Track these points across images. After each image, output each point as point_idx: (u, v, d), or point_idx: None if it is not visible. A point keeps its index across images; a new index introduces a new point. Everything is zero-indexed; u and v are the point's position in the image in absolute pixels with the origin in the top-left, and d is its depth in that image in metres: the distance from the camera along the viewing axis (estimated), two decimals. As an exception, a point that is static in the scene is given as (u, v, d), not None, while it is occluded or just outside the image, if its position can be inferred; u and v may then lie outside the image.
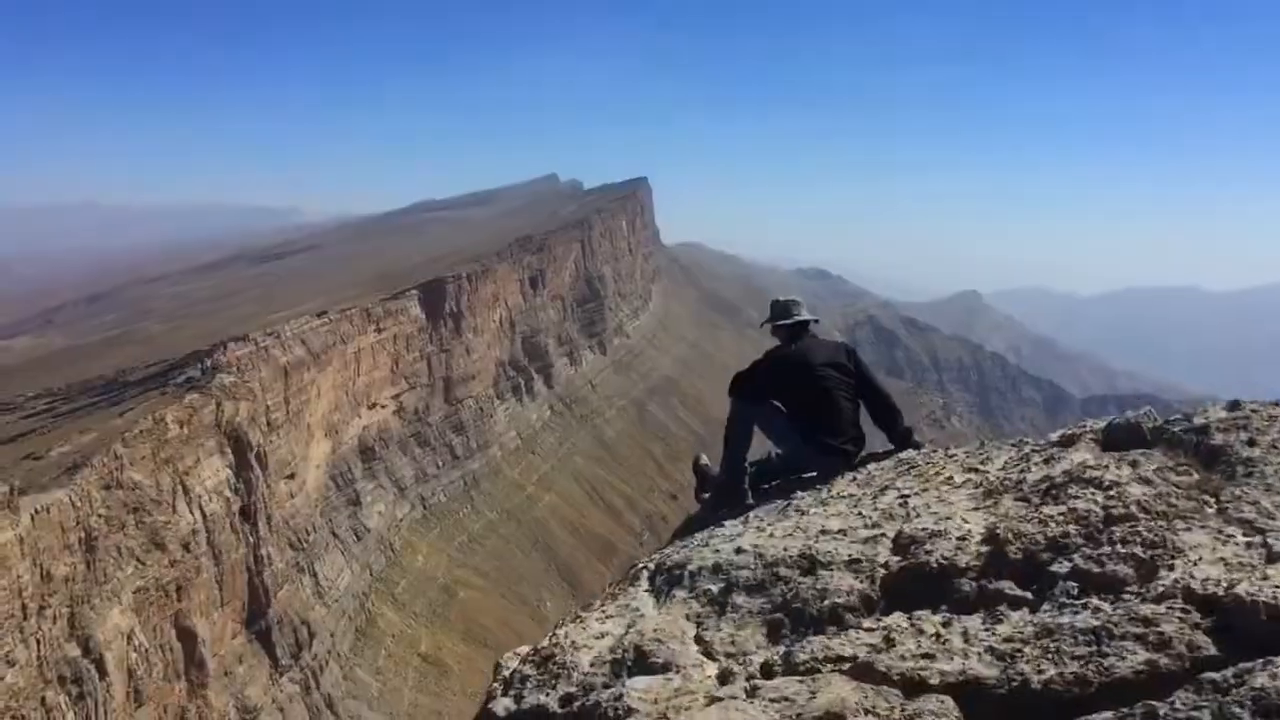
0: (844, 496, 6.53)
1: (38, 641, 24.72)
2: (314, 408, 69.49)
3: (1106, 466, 5.37)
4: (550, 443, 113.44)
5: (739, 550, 5.35)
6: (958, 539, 4.84)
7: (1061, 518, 4.71)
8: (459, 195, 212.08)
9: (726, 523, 6.78)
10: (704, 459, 9.22)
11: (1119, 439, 6.10)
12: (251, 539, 47.12)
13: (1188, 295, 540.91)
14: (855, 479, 7.11)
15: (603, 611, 5.24)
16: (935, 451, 7.52)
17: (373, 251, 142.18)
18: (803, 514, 6.17)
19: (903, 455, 7.68)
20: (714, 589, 5.00)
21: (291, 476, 63.10)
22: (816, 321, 8.45)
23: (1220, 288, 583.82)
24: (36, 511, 26.41)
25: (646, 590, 5.42)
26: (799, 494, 7.11)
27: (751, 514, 6.86)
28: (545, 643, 4.99)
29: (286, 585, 51.45)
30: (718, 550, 5.48)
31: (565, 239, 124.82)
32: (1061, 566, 4.34)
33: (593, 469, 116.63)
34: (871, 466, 7.53)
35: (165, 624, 35.45)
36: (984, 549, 4.67)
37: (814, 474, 7.81)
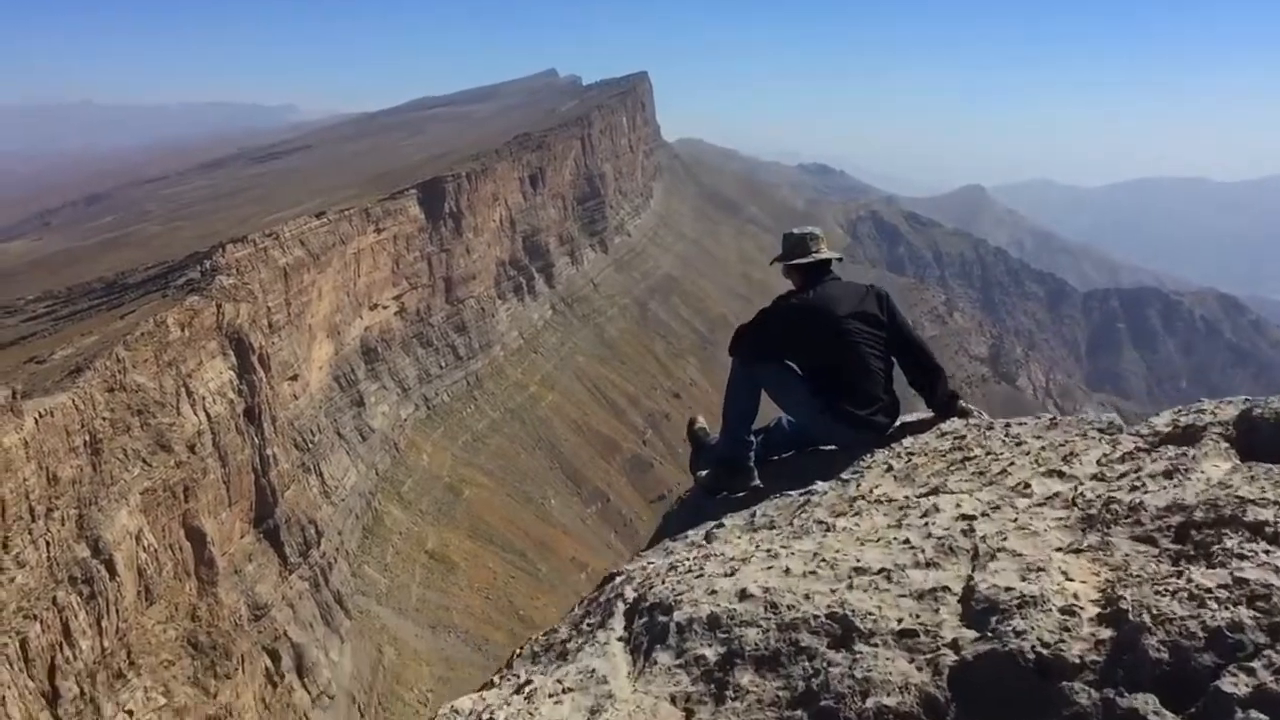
0: (880, 501, 5.05)
1: (47, 543, 25.01)
2: (315, 309, 69.41)
3: (1270, 499, 3.56)
4: (552, 342, 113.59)
5: (743, 594, 3.97)
6: (1060, 610, 3.26)
7: (1225, 593, 3.06)
8: (458, 91, 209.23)
9: (727, 522, 5.66)
10: (701, 422, 7.90)
11: (1267, 440, 4.33)
12: (257, 440, 47.40)
13: (1195, 186, 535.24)
14: (892, 470, 5.69)
15: (559, 683, 3.91)
16: (990, 427, 6.19)
17: (371, 150, 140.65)
18: (827, 529, 4.75)
19: (946, 427, 6.51)
20: (710, 656, 3.71)
21: (295, 378, 63.30)
22: (840, 259, 7.13)
23: (1229, 178, 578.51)
24: (40, 415, 26.50)
25: (620, 639, 4.16)
26: (819, 487, 5.72)
27: (759, 512, 5.66)
28: None
29: (293, 485, 51.94)
30: (714, 590, 4.11)
31: (565, 136, 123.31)
32: (1236, 684, 2.76)
33: (595, 368, 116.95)
34: (908, 442, 6.26)
35: (174, 524, 35.82)
36: (1104, 633, 3.11)
37: (833, 447, 6.77)
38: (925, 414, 6.94)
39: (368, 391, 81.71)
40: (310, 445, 65.82)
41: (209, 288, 48.84)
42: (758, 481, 6.72)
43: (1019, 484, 4.65)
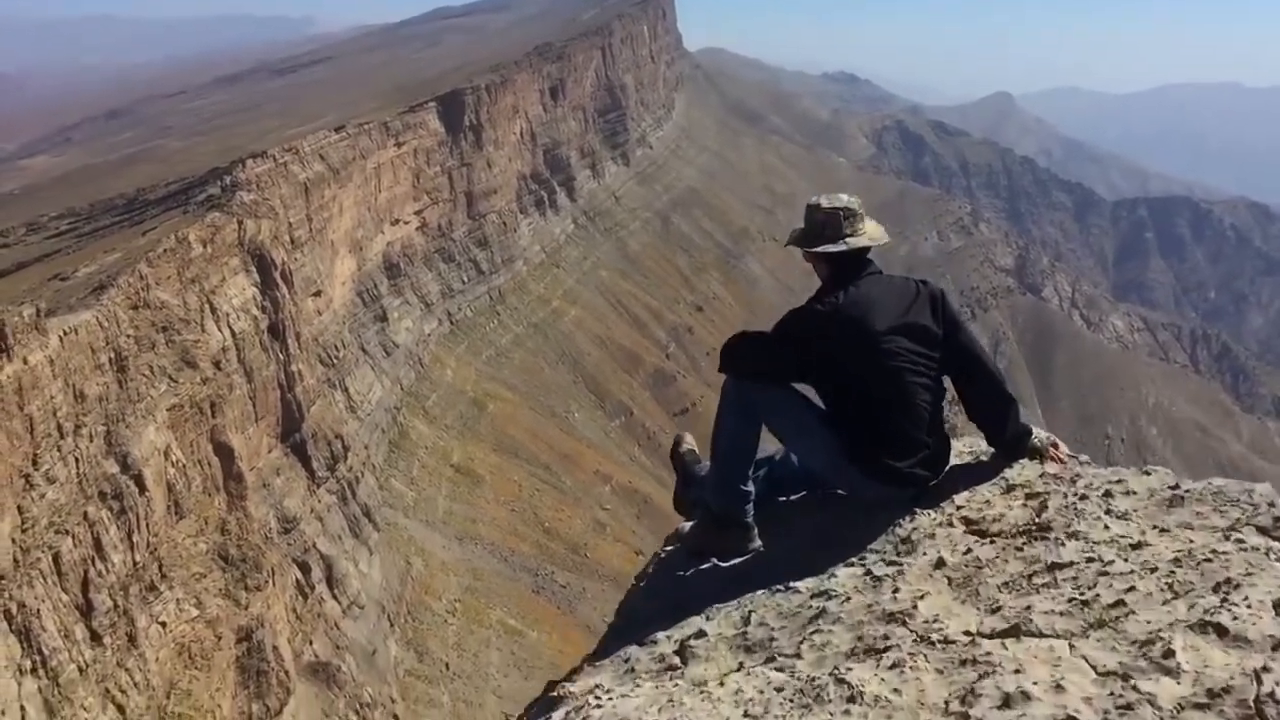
0: (932, 642, 3.50)
1: (76, 460, 25.28)
2: (336, 224, 69.23)
3: None
4: (574, 256, 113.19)
5: None
6: None
7: None
8: (475, 1, 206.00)
9: (710, 630, 4.14)
10: (688, 442, 6.29)
11: None
12: (281, 356, 47.61)
13: (1227, 92, 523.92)
14: (945, 566, 4.11)
15: None
16: (1082, 496, 4.54)
17: (389, 62, 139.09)
18: (851, 697, 3.25)
19: (1014, 476, 5.03)
20: None
21: (318, 294, 63.41)
22: (881, 242, 5.26)
23: (1262, 83, 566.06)
24: (65, 333, 26.61)
25: None
26: (839, 581, 4.25)
27: (756, 616, 4.17)
28: None
29: (319, 401, 52.29)
30: None
31: (585, 46, 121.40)
32: None
33: (617, 282, 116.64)
34: (964, 504, 4.75)
35: (201, 440, 36.15)
36: None
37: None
38: (974, 438, 5.56)
39: (391, 307, 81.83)
40: (335, 361, 66.16)
41: (230, 204, 48.68)
42: (758, 543, 5.19)
43: (1151, 638, 3.05)
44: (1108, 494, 4.49)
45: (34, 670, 21.31)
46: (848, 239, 5.11)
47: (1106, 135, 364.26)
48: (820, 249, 5.12)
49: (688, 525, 5.77)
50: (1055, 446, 5.38)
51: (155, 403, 31.64)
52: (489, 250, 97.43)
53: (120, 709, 24.28)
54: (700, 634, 4.15)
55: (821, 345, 4.94)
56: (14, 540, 21.84)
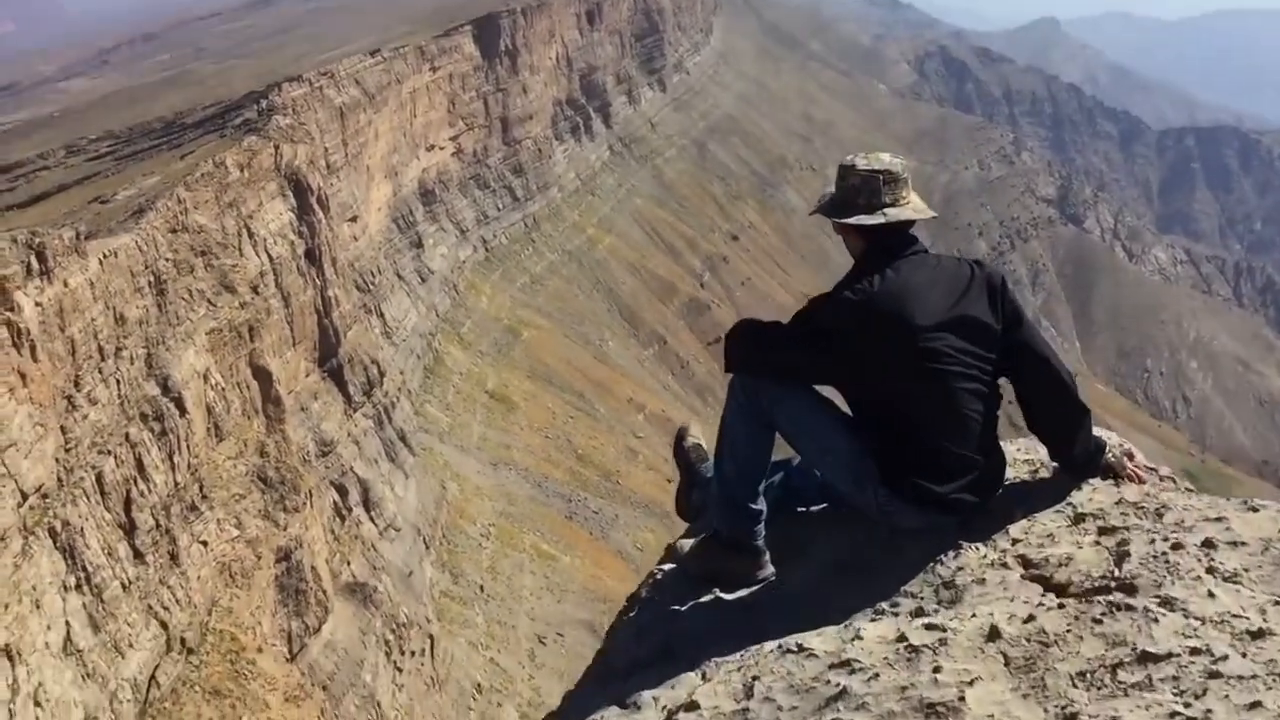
0: None
1: (117, 381, 25.64)
2: (372, 150, 69.10)
3: None
4: (610, 184, 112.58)
5: None
6: None
7: None
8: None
9: (703, 701, 3.42)
10: (693, 435, 5.47)
11: None
12: (318, 281, 47.84)
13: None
14: (1001, 637, 3.22)
15: None
16: (1169, 538, 3.66)
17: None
18: None
19: (1084, 503, 4.16)
20: None
21: (354, 219, 63.52)
22: (924, 216, 4.43)
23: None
24: (105, 256, 26.84)
25: None
26: (863, 645, 3.38)
27: (760, 681, 3.40)
28: None
29: (355, 326, 52.62)
30: None
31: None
32: None
33: (652, 210, 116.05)
34: (1021, 540, 3.94)
35: (240, 363, 36.52)
36: None
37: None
38: (1032, 440, 4.67)
39: (426, 233, 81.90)
40: (371, 287, 66.45)
41: (266, 128, 48.65)
42: (769, 571, 4.48)
43: None
44: (1208, 544, 3.50)
45: (78, 586, 21.83)
46: (886, 209, 4.25)
47: (1155, 62, 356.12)
48: (853, 220, 4.28)
49: (687, 543, 4.86)
50: (1131, 458, 4.49)
51: (194, 326, 31.95)
52: (524, 177, 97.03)
53: (163, 625, 24.87)
54: (692, 705, 3.37)
55: (850, 342, 4.13)
56: (57, 460, 22.25)
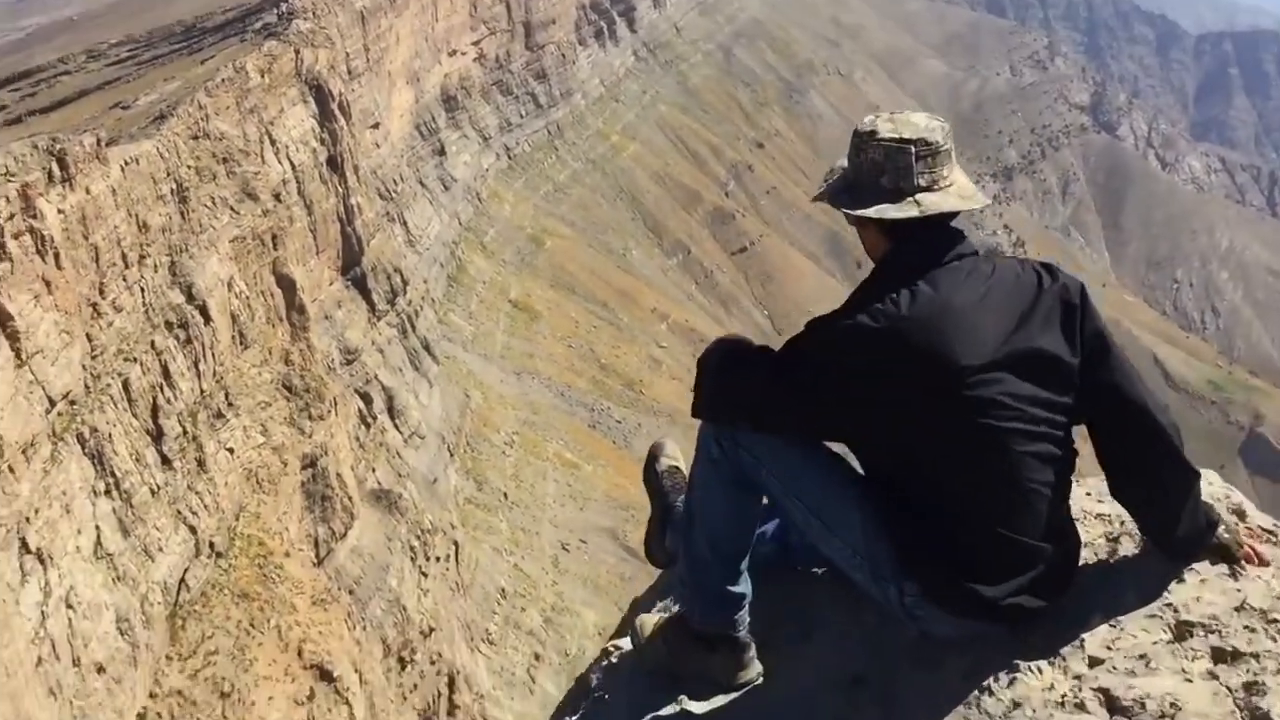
0: None
1: (141, 289, 25.69)
2: (394, 55, 68.20)
3: None
4: (634, 90, 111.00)
5: None
6: None
7: None
8: None
9: None
10: (668, 456, 4.19)
11: None
12: (340, 189, 47.59)
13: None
14: None
15: None
16: None
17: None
18: None
19: (1189, 604, 3.05)
20: None
21: (376, 126, 62.97)
22: (974, 206, 3.22)
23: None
24: (126, 162, 26.69)
25: None
26: None
27: None
28: None
29: (378, 234, 52.47)
30: None
31: None
32: None
33: (677, 117, 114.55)
34: (1099, 655, 2.91)
35: (264, 271, 36.52)
36: None
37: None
38: (1106, 501, 3.54)
39: (449, 140, 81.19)
40: (393, 195, 66.13)
41: (286, 33, 47.98)
42: (754, 673, 3.41)
43: None
44: None
45: (107, 492, 22.13)
46: (920, 196, 3.08)
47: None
48: (872, 211, 3.10)
49: (650, 620, 3.76)
50: (1243, 518, 3.40)
51: (217, 234, 31.89)
52: (547, 83, 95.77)
53: (192, 530, 25.24)
54: None
55: (866, 387, 3.00)
56: (84, 367, 22.40)
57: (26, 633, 17.97)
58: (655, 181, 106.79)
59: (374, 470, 40.21)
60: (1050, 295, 3.10)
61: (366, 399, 45.55)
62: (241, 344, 31.58)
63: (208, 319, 28.76)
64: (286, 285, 37.91)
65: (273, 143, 39.99)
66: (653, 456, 4.21)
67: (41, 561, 19.00)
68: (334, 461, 34.21)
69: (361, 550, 35.21)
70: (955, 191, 3.14)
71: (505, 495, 62.15)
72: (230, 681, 23.90)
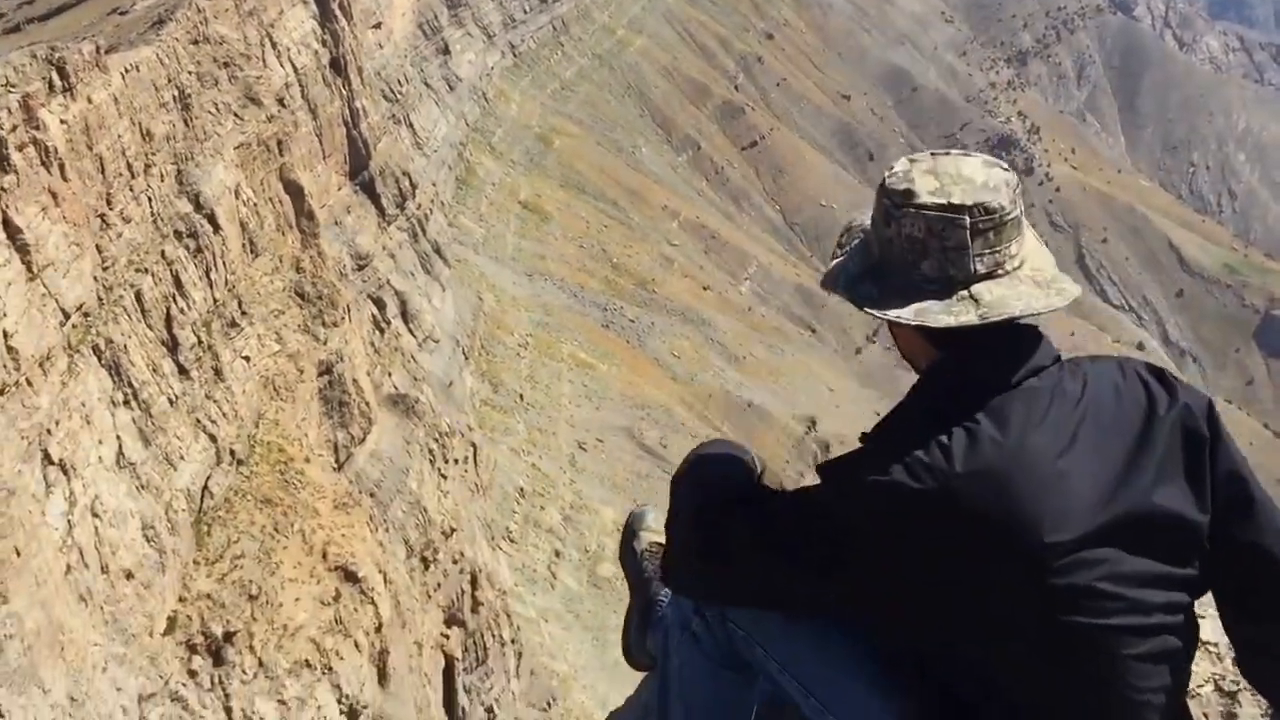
0: None
1: (149, 199, 25.51)
2: (393, -48, 66.81)
3: None
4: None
5: None
6: None
7: None
8: None
9: None
10: (649, 529, 3.35)
11: None
12: (344, 92, 46.96)
13: None
14: None
15: None
16: None
17: None
18: None
19: None
20: None
21: (378, 26, 61.93)
22: (1057, 306, 2.28)
23: None
24: (126, 70, 26.30)
25: None
26: None
27: None
28: None
29: (384, 138, 51.93)
30: None
31: None
32: None
33: (684, 9, 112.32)
34: None
35: (271, 178, 36.22)
36: None
37: None
38: (1224, 655, 3.00)
39: (452, 39, 79.89)
40: (398, 96, 65.32)
41: (282, -69, 46.93)
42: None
43: None
44: None
45: (126, 402, 22.25)
46: (979, 287, 2.24)
47: None
48: (910, 314, 2.26)
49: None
50: None
51: (222, 141, 31.56)
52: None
53: (212, 438, 25.45)
54: None
55: (905, 568, 2.21)
56: (96, 279, 22.37)
57: (54, 541, 18.24)
58: (663, 76, 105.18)
59: (390, 375, 40.39)
60: (1167, 424, 2.31)
61: (380, 304, 45.58)
62: (252, 252, 31.46)
63: (217, 228, 28.61)
64: (294, 191, 37.63)
65: (274, 46, 39.35)
66: (630, 532, 3.31)
67: (65, 472, 19.20)
68: (350, 367, 34.33)
69: (380, 454, 35.55)
70: (1029, 275, 2.26)
71: (521, 397, 62.52)
72: (257, 584, 24.32)
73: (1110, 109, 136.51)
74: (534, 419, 61.80)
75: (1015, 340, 2.29)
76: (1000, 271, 2.24)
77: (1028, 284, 2.25)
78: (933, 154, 2.34)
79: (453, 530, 38.28)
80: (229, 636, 22.85)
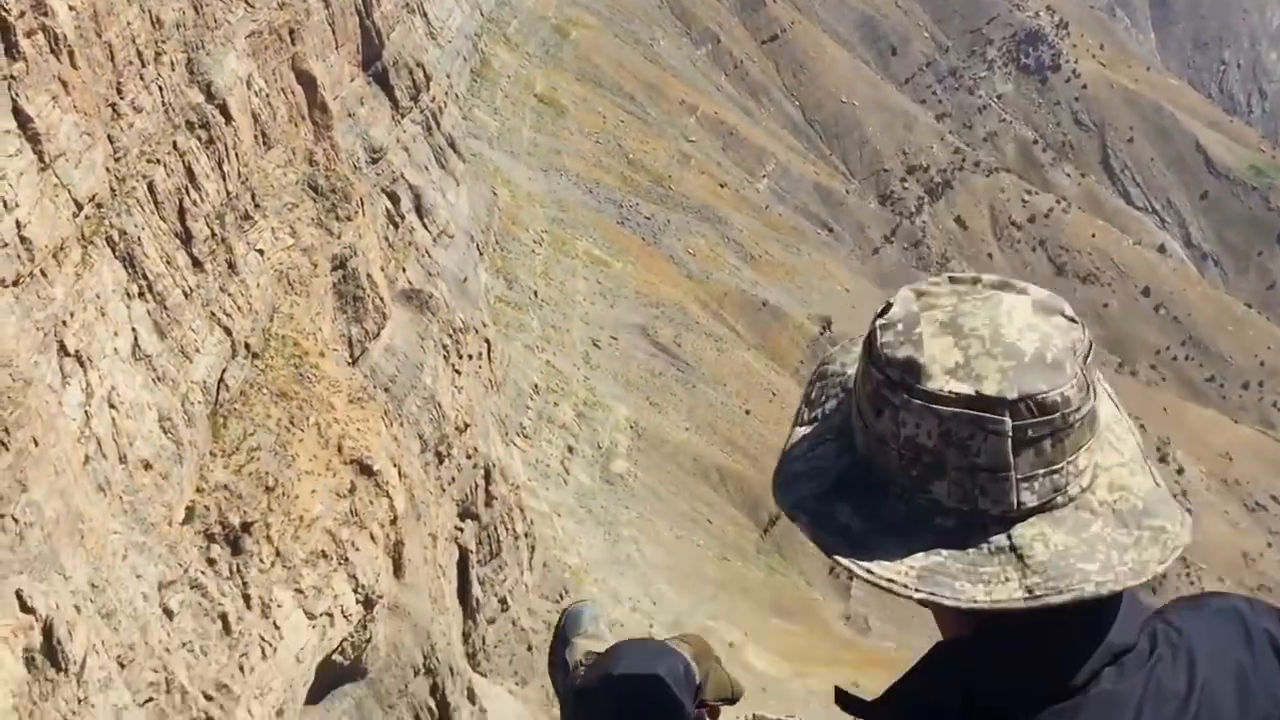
0: None
1: (160, 88, 25.16)
2: None
3: None
4: None
5: None
6: None
7: None
8: None
9: None
10: (585, 630, 2.46)
11: None
12: (357, -21, 46.09)
13: None
14: None
15: None
16: None
17: None
18: None
19: None
20: None
21: (390, -89, 60.44)
22: (1164, 563, 1.37)
23: None
24: (135, -45, 25.74)
25: None
26: None
27: None
28: None
29: (398, 27, 51.03)
30: None
31: None
32: None
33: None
34: None
35: (283, 68, 35.68)
36: None
37: None
38: None
39: (467, -75, 78.09)
40: (412, -15, 64.07)
41: None
42: None
43: None
44: None
45: (141, 294, 22.24)
46: (1027, 533, 1.40)
47: None
48: (906, 580, 1.40)
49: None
50: None
51: (233, 29, 31.00)
52: None
53: (226, 331, 25.49)
54: None
55: None
56: (108, 169, 22.19)
57: (72, 432, 18.40)
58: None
59: (404, 270, 40.32)
60: None
61: (394, 198, 45.27)
62: (264, 144, 31.14)
63: (228, 118, 28.27)
64: (307, 82, 37.11)
65: (284, -69, 38.46)
66: (562, 639, 2.48)
67: (81, 363, 19.29)
68: (364, 262, 34.24)
69: (395, 349, 35.64)
70: (1106, 503, 1.44)
71: (535, 293, 62.46)
72: (274, 476, 24.58)
73: (1141, 4, 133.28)
74: (548, 316, 61.80)
75: (1093, 625, 1.43)
76: (1060, 499, 1.40)
77: (1105, 521, 1.41)
78: (952, 282, 1.50)
79: (467, 425, 38.56)
80: (246, 527, 23.19)
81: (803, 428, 1.61)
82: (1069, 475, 1.39)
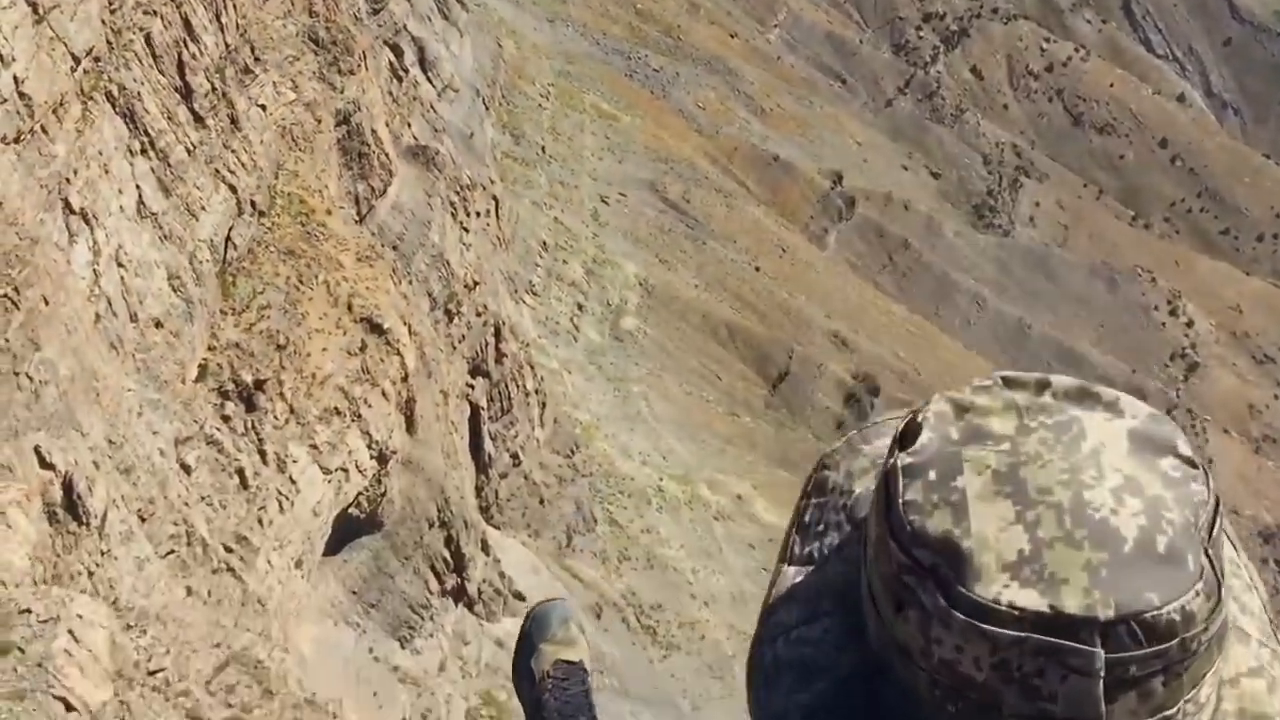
0: None
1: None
2: None
3: None
4: None
5: None
6: None
7: None
8: None
9: None
10: (554, 636, 2.16)
11: None
12: None
13: None
14: None
15: None
16: None
17: None
18: None
19: None
20: None
21: None
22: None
23: None
24: None
25: None
26: None
27: None
28: None
29: None
30: None
31: None
32: None
33: None
34: None
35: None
36: None
37: None
38: None
39: None
40: None
41: None
42: None
43: None
44: None
45: (144, 151, 21.97)
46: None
47: None
48: None
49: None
50: None
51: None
52: None
53: (232, 188, 25.27)
54: None
55: None
56: (104, 21, 21.67)
57: (81, 291, 18.42)
58: None
59: (409, 125, 39.72)
60: None
61: (397, 51, 44.32)
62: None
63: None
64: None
65: None
66: (528, 645, 2.21)
67: (87, 221, 19.18)
68: (368, 117, 33.71)
69: (402, 207, 35.37)
70: None
71: (543, 149, 61.68)
72: (284, 334, 24.69)
73: None
74: (556, 172, 61.14)
75: None
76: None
77: None
78: (1008, 386, 1.00)
79: (475, 283, 38.52)
80: (259, 384, 23.39)
81: (794, 568, 1.12)
82: (1182, 711, 0.92)
